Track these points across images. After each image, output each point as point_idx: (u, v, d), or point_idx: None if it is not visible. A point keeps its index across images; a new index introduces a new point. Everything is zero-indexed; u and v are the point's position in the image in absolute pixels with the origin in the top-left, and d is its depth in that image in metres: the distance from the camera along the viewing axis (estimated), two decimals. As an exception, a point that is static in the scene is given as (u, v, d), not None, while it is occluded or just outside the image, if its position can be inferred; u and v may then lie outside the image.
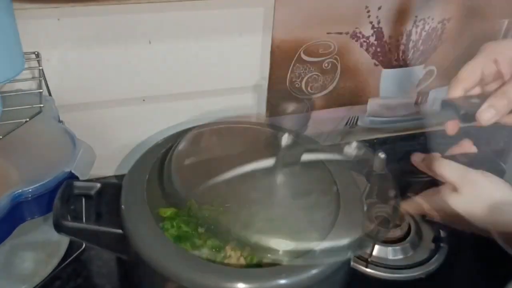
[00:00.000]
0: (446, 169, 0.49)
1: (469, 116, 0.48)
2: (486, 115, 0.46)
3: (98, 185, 0.49)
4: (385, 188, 0.49)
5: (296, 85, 0.76)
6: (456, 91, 0.49)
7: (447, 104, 0.49)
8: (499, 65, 0.48)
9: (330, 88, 0.78)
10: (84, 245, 0.61)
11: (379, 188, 0.50)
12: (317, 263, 0.42)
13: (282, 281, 0.40)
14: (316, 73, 0.76)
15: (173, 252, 0.42)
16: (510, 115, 0.48)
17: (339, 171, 0.52)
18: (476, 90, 0.51)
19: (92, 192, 0.48)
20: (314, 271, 0.41)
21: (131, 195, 0.47)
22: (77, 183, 0.48)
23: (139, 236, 0.43)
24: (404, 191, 0.53)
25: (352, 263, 0.48)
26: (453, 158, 0.50)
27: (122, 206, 0.46)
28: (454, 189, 0.49)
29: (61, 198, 0.45)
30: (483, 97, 0.48)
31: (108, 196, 0.48)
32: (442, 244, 0.64)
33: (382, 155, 0.49)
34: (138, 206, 0.46)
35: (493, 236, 0.49)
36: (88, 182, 0.49)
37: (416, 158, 0.53)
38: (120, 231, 0.44)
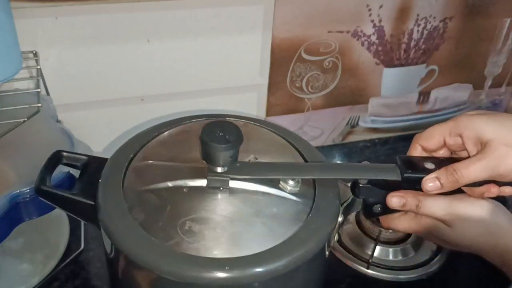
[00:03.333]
0: (432, 208, 0.46)
1: (411, 181, 0.45)
2: (430, 185, 0.44)
3: (85, 158, 0.50)
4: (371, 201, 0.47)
5: (297, 84, 0.76)
6: (414, 150, 0.49)
7: (402, 159, 0.46)
8: (464, 141, 0.46)
9: (331, 87, 0.78)
10: (82, 247, 0.61)
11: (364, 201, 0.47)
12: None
13: (258, 269, 0.39)
14: (317, 72, 0.75)
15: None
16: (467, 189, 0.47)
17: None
18: (444, 153, 0.49)
19: (79, 164, 0.49)
20: (287, 259, 0.40)
21: (111, 176, 0.46)
22: (65, 154, 0.49)
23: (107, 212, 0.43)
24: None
25: (327, 253, 0.45)
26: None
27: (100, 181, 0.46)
28: (445, 223, 0.47)
29: (47, 165, 0.47)
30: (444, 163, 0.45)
31: (94, 169, 0.48)
32: (443, 245, 0.64)
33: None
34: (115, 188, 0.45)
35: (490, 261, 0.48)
36: (76, 154, 0.50)
37: (393, 203, 0.46)
38: (92, 202, 0.45)
